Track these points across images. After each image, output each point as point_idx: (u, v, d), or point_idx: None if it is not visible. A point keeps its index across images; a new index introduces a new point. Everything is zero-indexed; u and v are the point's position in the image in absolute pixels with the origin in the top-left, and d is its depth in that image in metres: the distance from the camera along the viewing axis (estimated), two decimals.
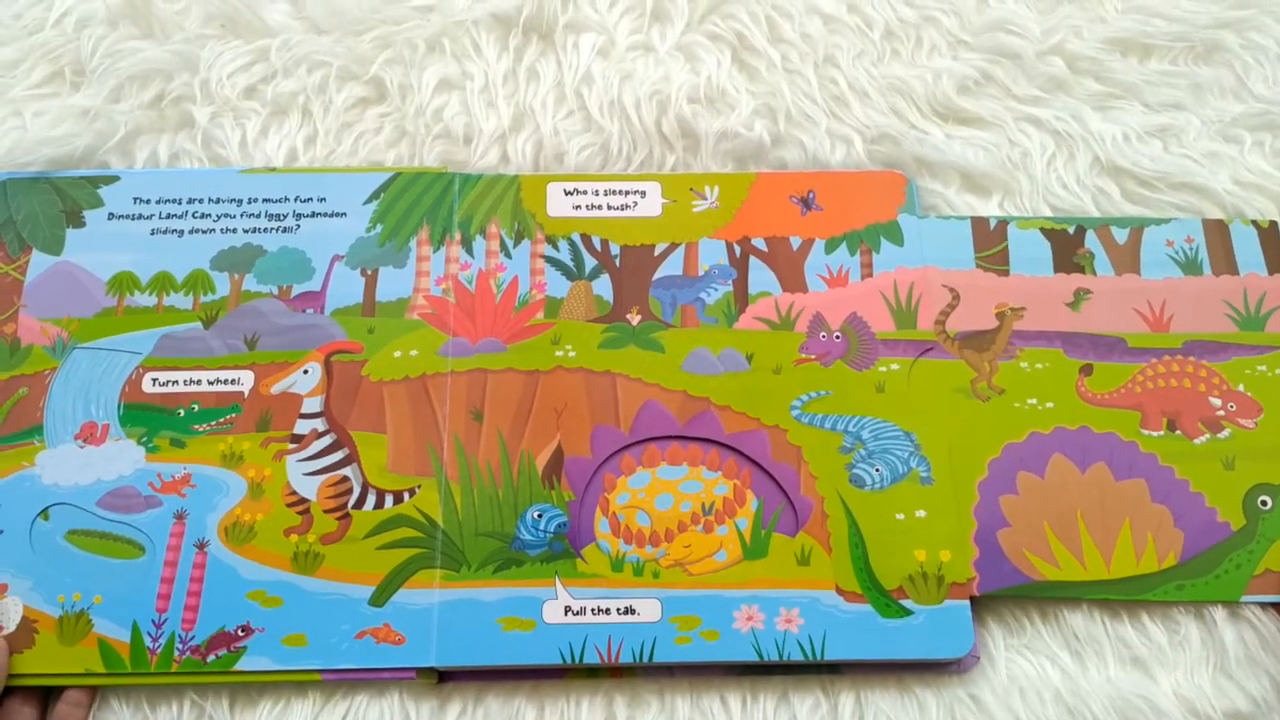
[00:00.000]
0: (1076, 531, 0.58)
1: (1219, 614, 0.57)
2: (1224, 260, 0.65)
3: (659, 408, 0.60)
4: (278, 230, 0.64)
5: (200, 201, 0.65)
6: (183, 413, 0.60)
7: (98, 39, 0.69)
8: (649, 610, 0.56)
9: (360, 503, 0.58)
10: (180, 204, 0.65)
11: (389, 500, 0.58)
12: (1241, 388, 0.62)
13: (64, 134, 0.67)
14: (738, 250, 0.65)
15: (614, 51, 0.71)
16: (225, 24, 0.70)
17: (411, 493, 0.58)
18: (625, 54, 0.71)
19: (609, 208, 0.66)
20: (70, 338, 0.61)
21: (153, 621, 0.55)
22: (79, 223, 0.64)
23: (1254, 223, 0.66)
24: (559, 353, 0.62)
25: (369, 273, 0.64)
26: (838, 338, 0.62)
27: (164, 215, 0.64)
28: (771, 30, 0.72)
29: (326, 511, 0.58)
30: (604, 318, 0.63)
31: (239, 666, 0.54)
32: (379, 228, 0.65)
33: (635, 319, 0.63)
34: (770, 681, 0.56)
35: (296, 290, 0.63)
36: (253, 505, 0.58)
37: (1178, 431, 0.61)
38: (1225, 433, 0.61)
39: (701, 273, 0.64)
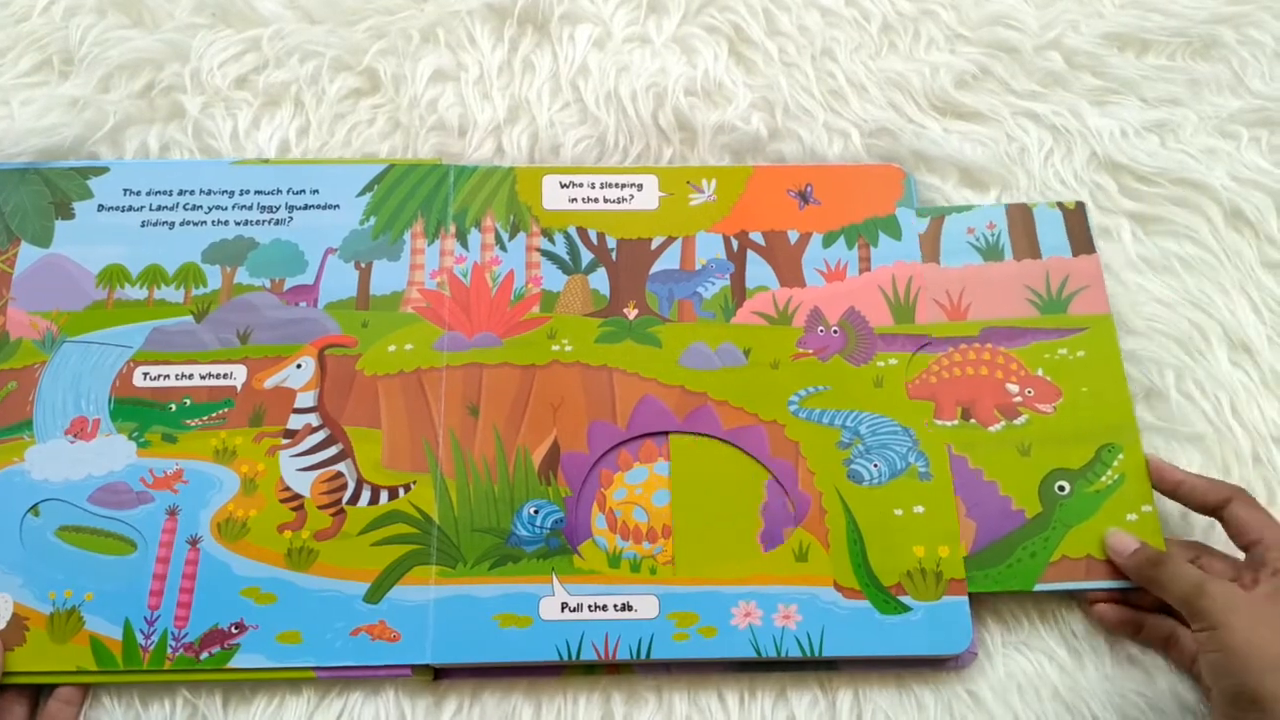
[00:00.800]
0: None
1: None
2: (1027, 244, 0.65)
3: (656, 403, 0.60)
4: (270, 223, 0.63)
5: (191, 193, 0.64)
6: (174, 407, 0.59)
7: (86, 27, 0.68)
8: (646, 607, 0.55)
9: (355, 499, 0.57)
10: (171, 195, 0.64)
11: (384, 496, 0.58)
12: (1040, 372, 0.61)
13: (52, 124, 0.66)
14: (735, 244, 0.65)
15: (610, 43, 0.71)
16: (216, 13, 0.69)
17: (407, 488, 0.58)
18: (621, 46, 0.70)
19: (605, 200, 0.65)
20: (60, 331, 0.60)
21: (145, 619, 0.54)
22: (68, 214, 0.63)
23: (1059, 205, 0.66)
24: (555, 347, 0.61)
25: (363, 266, 0.63)
26: (835, 332, 0.62)
27: (154, 207, 0.63)
28: (769, 23, 0.71)
29: (320, 508, 0.57)
30: (600, 312, 0.63)
31: (233, 664, 0.54)
32: (373, 220, 0.64)
33: (632, 313, 0.62)
34: (768, 679, 0.56)
35: (289, 284, 0.62)
36: (246, 501, 0.57)
37: (972, 420, 0.60)
38: (1022, 419, 0.60)
39: (699, 267, 0.64)
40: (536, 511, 0.57)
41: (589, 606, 0.55)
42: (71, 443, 0.58)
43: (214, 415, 0.59)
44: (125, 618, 0.54)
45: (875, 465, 0.59)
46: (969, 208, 0.66)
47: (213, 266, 0.62)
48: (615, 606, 0.55)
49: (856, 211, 0.65)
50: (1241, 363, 0.63)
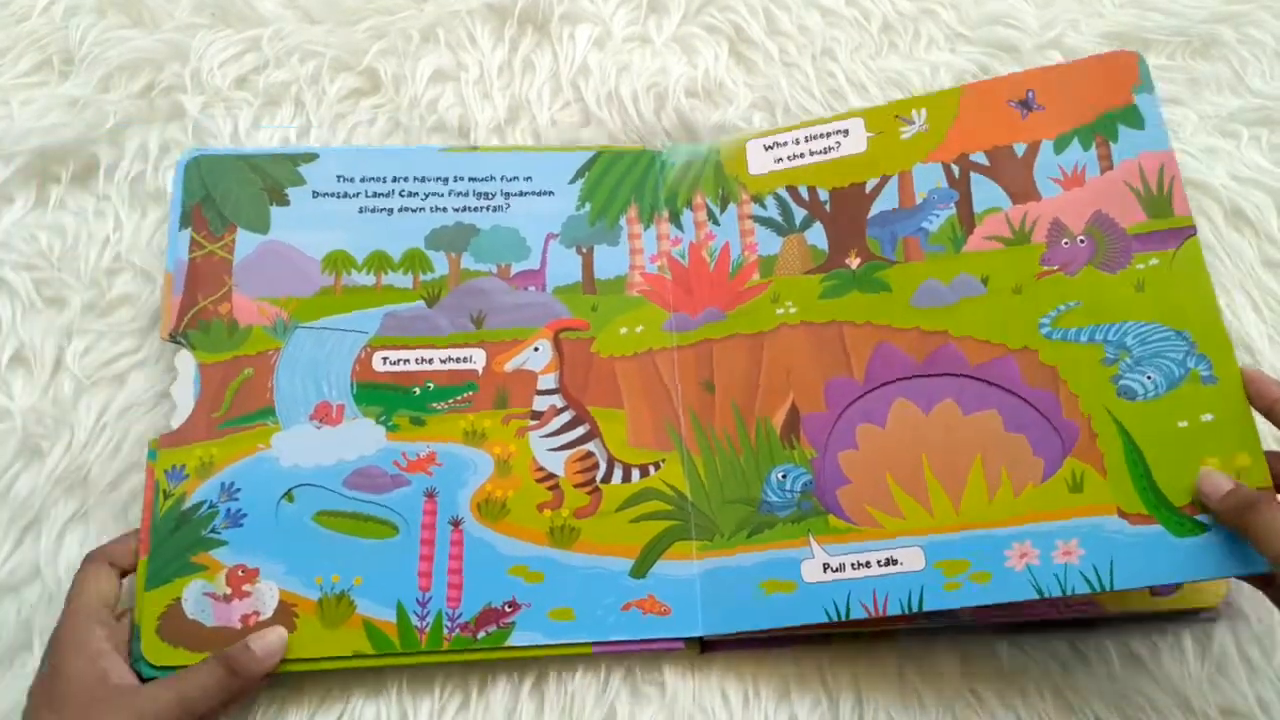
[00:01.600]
0: (922, 478, 0.56)
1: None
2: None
3: (893, 350, 0.58)
4: (488, 209, 0.63)
5: (405, 180, 0.63)
6: (418, 391, 0.59)
7: (86, 27, 0.68)
8: (911, 559, 0.54)
9: (607, 477, 0.58)
10: (385, 182, 0.63)
11: (635, 474, 0.58)
12: None
13: (52, 124, 0.65)
14: (956, 170, 0.61)
15: (610, 43, 0.71)
16: (216, 13, 0.69)
17: (656, 466, 0.58)
18: (622, 45, 0.71)
19: (811, 154, 0.64)
20: (290, 317, 0.60)
21: (417, 600, 0.55)
22: (283, 200, 0.62)
23: None
24: (779, 311, 0.60)
25: (584, 251, 0.63)
26: (1082, 242, 0.58)
27: (370, 194, 0.63)
28: (769, 22, 0.72)
29: (576, 486, 0.58)
30: (821, 267, 0.61)
31: (510, 642, 0.54)
32: (588, 206, 0.64)
33: (855, 262, 0.61)
34: (771, 678, 0.56)
35: (515, 269, 0.62)
36: (502, 482, 0.57)
37: None
38: None
39: (919, 201, 0.61)
40: (784, 476, 0.57)
41: (851, 565, 0.54)
42: (318, 428, 0.58)
43: (459, 399, 0.59)
44: (397, 600, 0.55)
45: (1149, 377, 0.54)
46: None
47: (437, 252, 0.62)
48: (878, 562, 0.54)
49: (1088, 109, 0.60)
50: (1242, 361, 0.63)
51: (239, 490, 0.56)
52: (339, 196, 0.63)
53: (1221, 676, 0.56)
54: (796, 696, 0.56)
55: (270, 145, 0.67)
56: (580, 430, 0.59)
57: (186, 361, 0.58)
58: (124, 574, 0.54)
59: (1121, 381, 0.55)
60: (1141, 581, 0.51)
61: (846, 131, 0.63)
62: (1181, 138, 0.69)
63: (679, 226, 0.63)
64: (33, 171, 0.65)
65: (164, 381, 0.60)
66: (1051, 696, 0.56)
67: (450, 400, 0.59)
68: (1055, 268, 0.57)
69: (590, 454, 0.58)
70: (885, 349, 0.58)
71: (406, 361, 0.60)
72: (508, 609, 0.55)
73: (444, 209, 0.63)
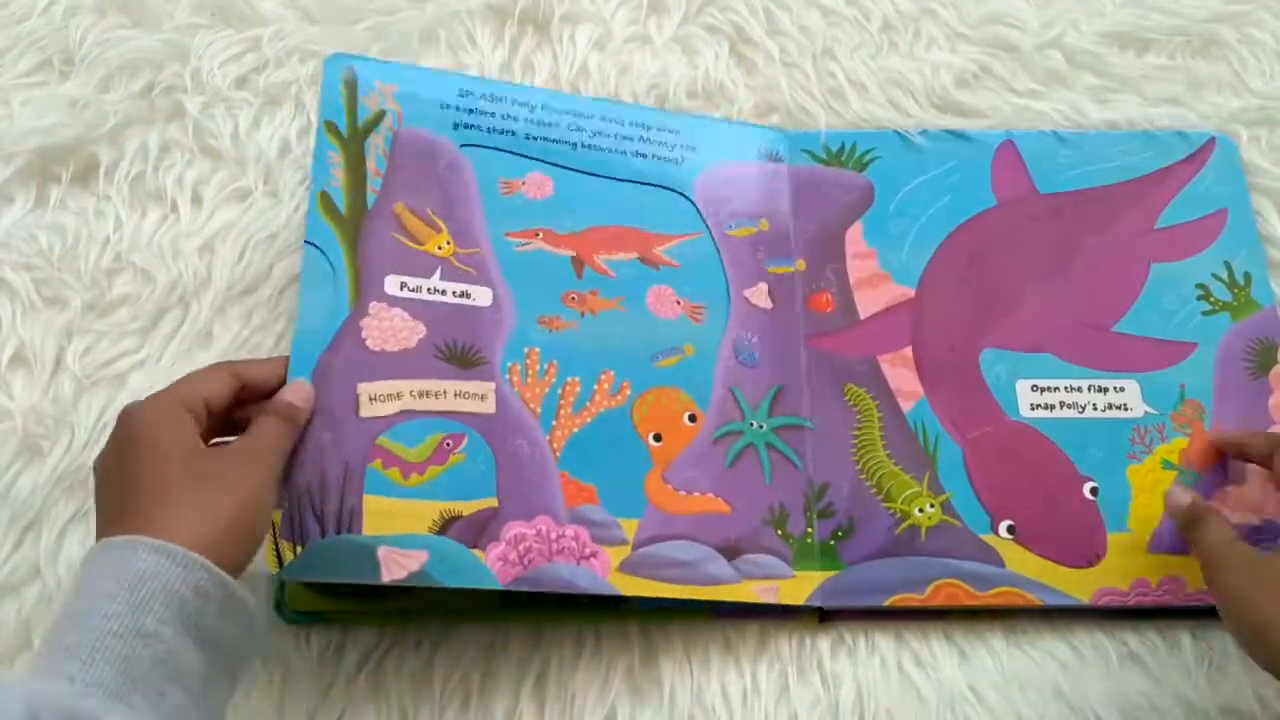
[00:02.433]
0: None
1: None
2: None
3: None
4: None
5: None
6: None
7: (86, 27, 0.68)
8: None
9: None
10: None
11: None
12: None
13: (52, 124, 0.65)
14: None
15: (610, 43, 0.71)
16: (216, 13, 0.70)
17: None
18: (622, 46, 0.71)
19: None
20: None
21: None
22: None
23: None
24: None
25: None
26: None
27: None
28: (769, 22, 0.72)
29: None
30: None
31: None
32: None
33: None
34: (770, 674, 0.56)
35: None
36: None
37: None
38: None
39: None
40: None
41: None
42: None
43: None
44: None
45: None
46: None
47: None
48: None
49: None
50: None
51: None
52: None
53: (1221, 675, 0.56)
54: (797, 693, 0.56)
55: None
56: None
57: None
58: (244, 397, 0.50)
59: None
60: None
61: None
62: None
63: None
64: (33, 171, 0.65)
65: (168, 380, 0.60)
66: (1050, 693, 0.56)
67: None
68: None
69: None
70: None
71: None
72: None
73: None
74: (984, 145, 0.67)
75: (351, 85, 0.60)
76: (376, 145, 0.59)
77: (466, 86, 0.63)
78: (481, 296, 0.58)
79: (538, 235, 0.61)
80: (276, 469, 0.48)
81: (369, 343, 0.55)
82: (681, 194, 0.64)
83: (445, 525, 0.52)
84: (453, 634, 0.56)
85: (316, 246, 0.56)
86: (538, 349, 0.58)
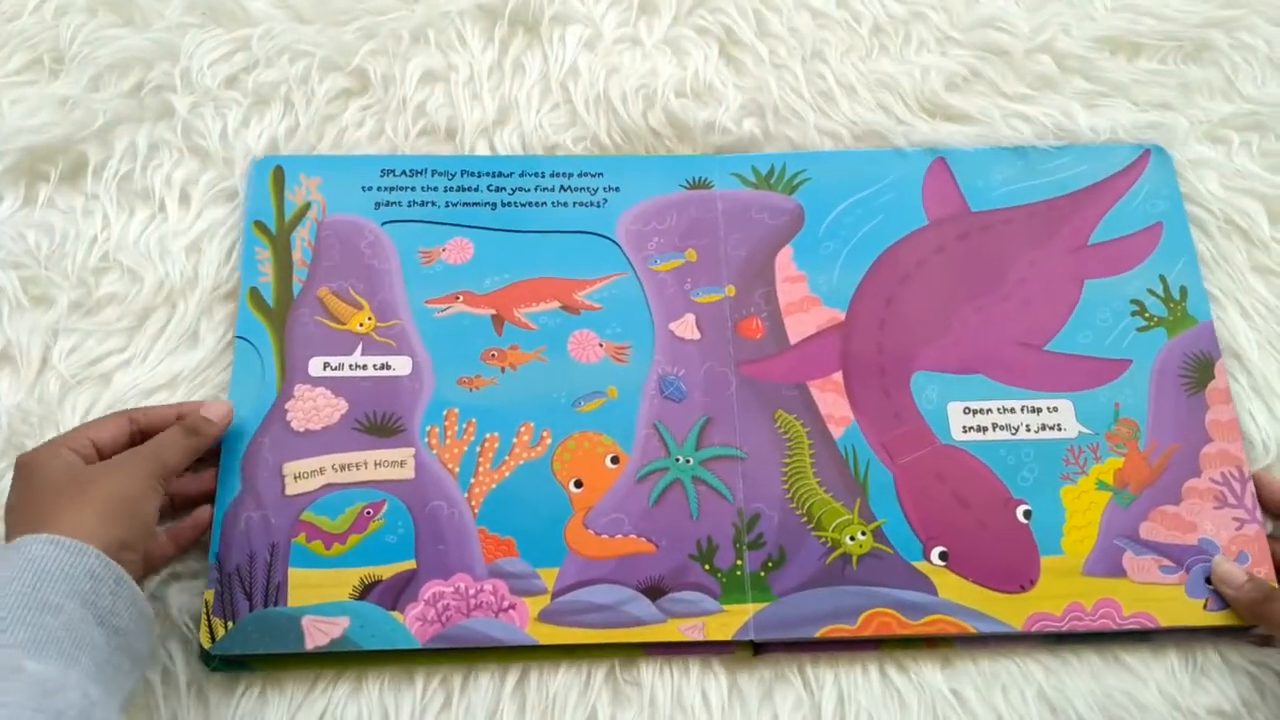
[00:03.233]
0: None
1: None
2: None
3: None
4: None
5: None
6: None
7: (77, 26, 0.68)
8: None
9: None
10: None
11: None
12: None
13: (41, 123, 0.65)
14: None
15: (600, 44, 0.71)
16: (206, 12, 0.70)
17: None
18: (612, 47, 0.70)
19: None
20: None
21: None
22: None
23: None
24: None
25: None
26: None
27: None
28: (759, 24, 0.71)
29: None
30: None
31: None
32: None
33: None
34: (752, 676, 0.56)
35: None
36: None
37: None
38: None
39: None
40: None
41: None
42: None
43: None
44: None
45: None
46: None
47: None
48: None
49: None
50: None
51: None
52: None
53: (1204, 676, 0.56)
54: (779, 696, 0.56)
55: None
56: None
57: None
58: (141, 436, 0.56)
59: None
60: None
61: None
62: (1172, 144, 0.68)
63: None
64: (21, 170, 0.65)
65: (153, 379, 0.61)
66: (1034, 697, 0.56)
67: None
68: None
69: None
70: None
71: None
72: None
73: None
74: (917, 163, 0.67)
75: (279, 184, 0.64)
76: (302, 237, 0.63)
77: (387, 165, 0.66)
78: (401, 366, 0.60)
79: (458, 299, 0.62)
80: (162, 466, 0.53)
81: (294, 424, 0.59)
82: (605, 236, 0.64)
83: (365, 590, 0.55)
84: None
85: (247, 340, 0.61)
86: (456, 410, 0.60)
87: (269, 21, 0.69)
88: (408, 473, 0.58)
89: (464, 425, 0.59)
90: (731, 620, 0.56)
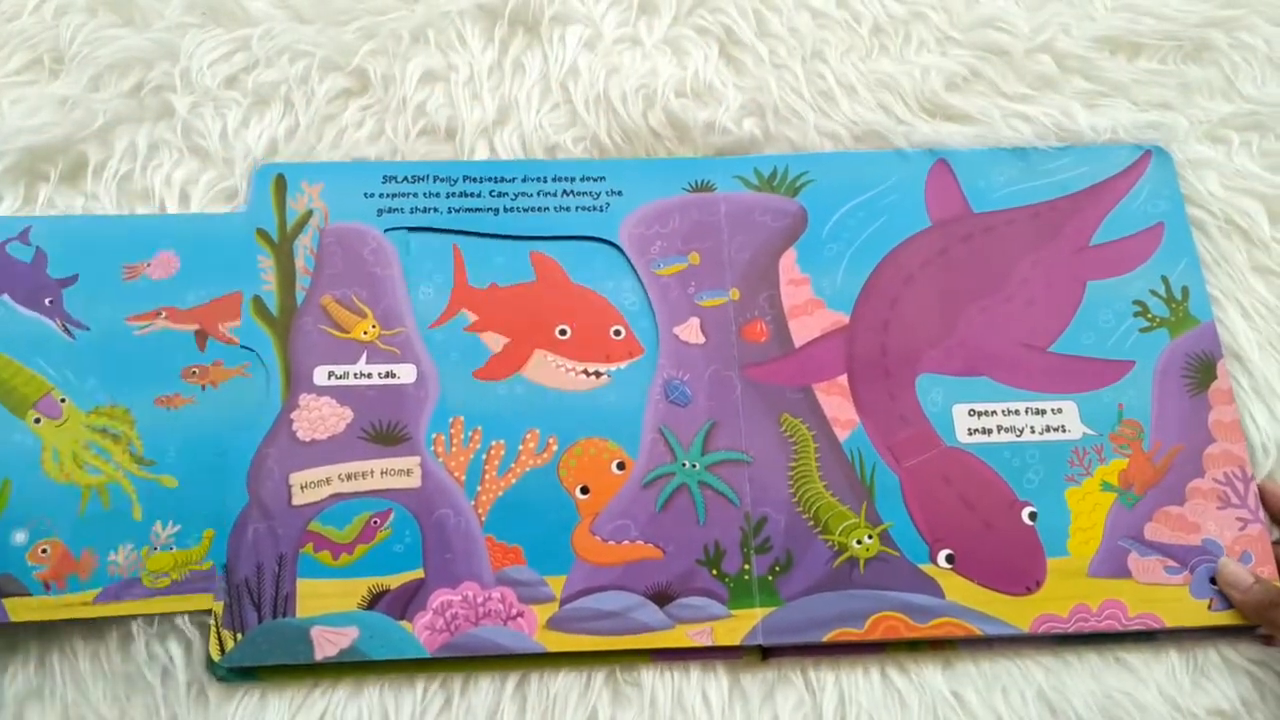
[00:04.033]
0: None
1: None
2: None
3: None
4: None
5: None
6: None
7: (77, 26, 0.68)
8: None
9: None
10: None
11: None
12: None
13: (41, 123, 0.65)
14: None
15: (600, 44, 0.70)
16: (206, 12, 0.70)
17: None
18: (612, 47, 0.70)
19: None
20: None
21: None
22: None
23: None
24: None
25: None
26: None
27: None
28: (759, 24, 0.71)
29: None
30: None
31: None
32: None
33: None
34: (753, 677, 0.56)
35: None
36: None
37: None
38: None
39: None
40: None
41: None
42: None
43: None
44: None
45: None
46: None
47: None
48: None
49: None
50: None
51: None
52: None
53: (1204, 677, 0.56)
54: (780, 697, 0.56)
55: None
56: None
57: None
58: None
59: None
60: None
61: None
62: (1172, 143, 0.68)
63: None
64: (22, 170, 0.65)
65: None
66: (1034, 698, 0.56)
67: None
68: None
69: None
70: None
71: None
72: None
73: None
74: (919, 165, 0.67)
75: (281, 191, 0.64)
76: (304, 245, 0.63)
77: (389, 172, 0.65)
78: (406, 374, 0.60)
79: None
80: None
81: (299, 434, 0.58)
82: (608, 241, 0.64)
83: (374, 600, 0.55)
84: None
85: (251, 349, 0.60)
86: (462, 417, 0.59)
87: (269, 21, 0.69)
88: (414, 481, 0.58)
89: (470, 433, 0.59)
90: (739, 625, 0.56)
